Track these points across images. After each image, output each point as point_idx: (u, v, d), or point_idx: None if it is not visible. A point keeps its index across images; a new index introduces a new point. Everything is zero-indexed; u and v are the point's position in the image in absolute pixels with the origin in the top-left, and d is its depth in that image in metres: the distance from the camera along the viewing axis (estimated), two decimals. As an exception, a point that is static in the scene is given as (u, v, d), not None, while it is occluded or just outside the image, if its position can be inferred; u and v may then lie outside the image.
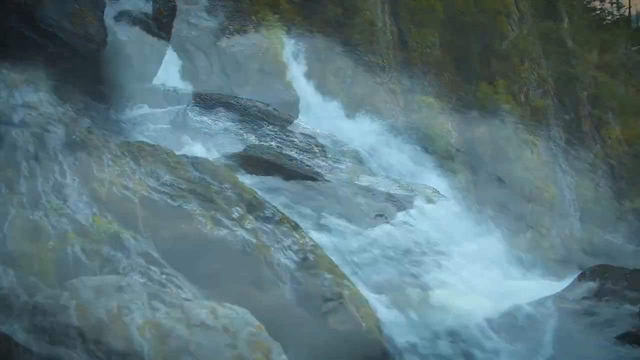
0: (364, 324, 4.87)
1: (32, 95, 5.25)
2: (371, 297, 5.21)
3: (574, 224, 22.10)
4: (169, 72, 9.84)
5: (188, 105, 9.88)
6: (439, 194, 9.52)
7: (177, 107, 9.67)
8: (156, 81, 9.50)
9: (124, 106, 8.78)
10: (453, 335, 5.04)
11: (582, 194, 23.36)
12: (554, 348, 6.09)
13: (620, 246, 16.56)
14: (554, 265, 19.23)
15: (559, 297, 15.25)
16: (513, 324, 5.85)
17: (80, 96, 8.28)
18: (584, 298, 14.62)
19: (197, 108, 10.01)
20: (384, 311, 5.10)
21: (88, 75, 8.32)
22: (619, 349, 10.11)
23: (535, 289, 15.55)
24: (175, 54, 9.98)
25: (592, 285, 16.11)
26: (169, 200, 5.00)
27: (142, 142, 5.88)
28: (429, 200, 9.53)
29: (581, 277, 18.28)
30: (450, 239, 8.95)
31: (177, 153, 6.12)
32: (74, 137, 4.73)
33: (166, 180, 5.38)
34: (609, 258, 16.54)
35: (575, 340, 8.94)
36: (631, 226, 16.69)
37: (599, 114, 26.49)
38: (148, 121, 9.00)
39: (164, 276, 4.51)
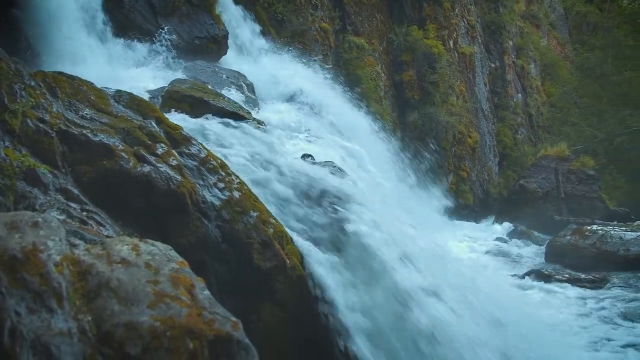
0: (288, 261, 4.97)
1: None
2: (294, 235, 5.29)
3: (492, 169, 23.15)
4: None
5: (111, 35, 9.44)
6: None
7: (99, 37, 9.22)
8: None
9: (40, 33, 8.25)
10: (376, 273, 5.21)
11: (502, 140, 24.43)
12: (470, 287, 6.45)
13: (534, 191, 17.53)
14: (472, 207, 20.21)
15: (474, 237, 16.12)
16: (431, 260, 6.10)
17: (-11, 20, 7.70)
18: (498, 239, 15.63)
19: (121, 39, 9.58)
20: (308, 248, 5.21)
21: (-2, -3, 7.73)
22: (526, 285, 11.00)
23: (453, 229, 16.34)
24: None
25: (505, 226, 17.19)
26: (89, 135, 4.78)
27: (59, 72, 5.53)
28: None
29: (496, 219, 19.43)
30: (374, 183, 9.18)
31: (98, 85, 5.85)
32: (-19, 64, 4.39)
33: (86, 113, 5.13)
34: (522, 202, 17.57)
35: (488, 278, 9.55)
36: (544, 172, 17.67)
37: (522, 64, 27.43)
38: (67, 51, 8.53)
39: (84, 213, 4.38)
